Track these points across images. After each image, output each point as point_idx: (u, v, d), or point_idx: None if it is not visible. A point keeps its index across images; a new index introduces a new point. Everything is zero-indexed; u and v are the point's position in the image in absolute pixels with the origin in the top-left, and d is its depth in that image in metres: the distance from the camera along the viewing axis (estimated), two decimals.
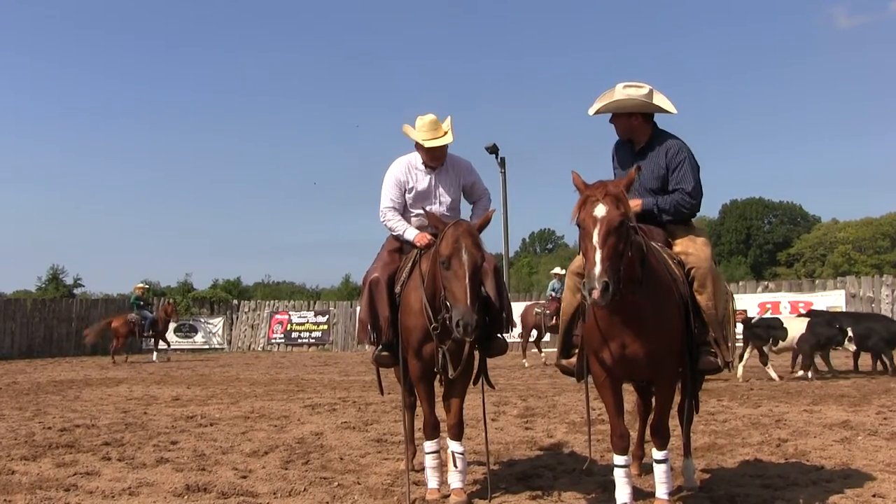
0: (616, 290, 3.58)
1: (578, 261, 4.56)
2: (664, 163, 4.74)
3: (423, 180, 5.17)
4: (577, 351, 4.62)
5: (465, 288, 4.17)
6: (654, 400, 4.62)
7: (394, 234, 5.21)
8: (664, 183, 4.74)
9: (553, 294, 17.63)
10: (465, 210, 5.37)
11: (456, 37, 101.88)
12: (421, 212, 5.13)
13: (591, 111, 4.86)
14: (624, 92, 4.74)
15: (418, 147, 5.14)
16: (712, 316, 4.42)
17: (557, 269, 18.41)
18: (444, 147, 5.11)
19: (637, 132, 4.88)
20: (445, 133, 5.05)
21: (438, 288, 4.44)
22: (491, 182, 24.89)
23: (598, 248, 3.64)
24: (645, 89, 4.75)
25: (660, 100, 4.79)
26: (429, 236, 4.90)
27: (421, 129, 5.03)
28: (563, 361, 4.74)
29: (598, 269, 3.57)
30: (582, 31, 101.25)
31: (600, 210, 3.74)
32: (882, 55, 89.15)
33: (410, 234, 5.07)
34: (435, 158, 5.14)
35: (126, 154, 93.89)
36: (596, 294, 3.53)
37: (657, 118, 4.93)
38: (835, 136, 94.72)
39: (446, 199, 5.18)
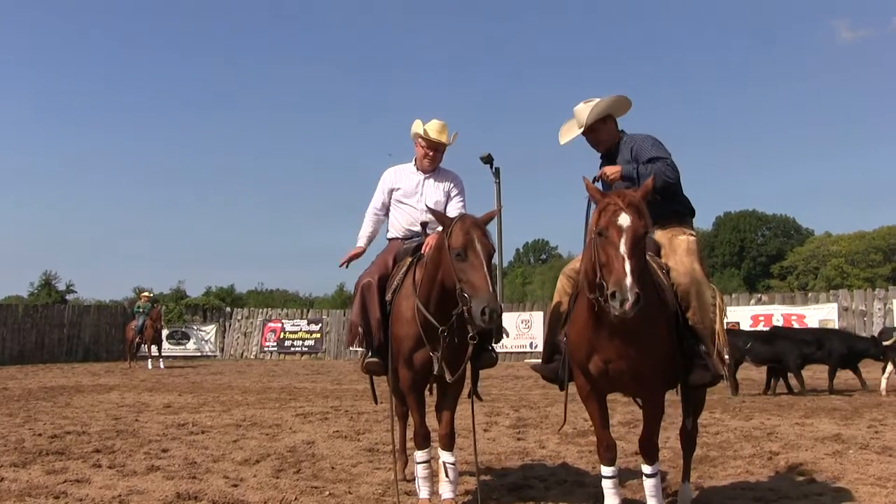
0: (644, 299, 3.51)
1: (574, 264, 4.55)
2: (630, 156, 4.72)
3: (411, 179, 5.42)
4: (558, 357, 4.60)
5: (485, 276, 4.15)
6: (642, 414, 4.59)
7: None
8: (635, 174, 4.64)
9: None
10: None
11: (452, 46, 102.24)
12: (407, 207, 5.37)
13: (563, 140, 4.95)
14: (584, 107, 4.81)
15: (418, 142, 5.38)
16: (700, 329, 4.36)
17: None
18: (441, 149, 5.36)
19: (604, 135, 4.87)
20: (447, 139, 5.36)
21: (435, 292, 4.44)
22: (485, 192, 24.97)
23: (626, 258, 3.56)
24: (593, 101, 4.79)
25: (597, 102, 4.80)
26: (360, 249, 5.54)
27: (429, 127, 5.32)
28: (548, 366, 4.71)
29: (629, 280, 3.49)
30: (578, 40, 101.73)
31: (625, 219, 3.66)
32: (881, 69, 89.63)
33: (359, 241, 5.58)
34: (431, 157, 5.36)
35: (120, 160, 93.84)
36: (628, 306, 3.46)
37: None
38: (829, 150, 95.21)
39: (431, 199, 5.34)
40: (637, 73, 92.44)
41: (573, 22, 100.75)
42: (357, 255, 5.55)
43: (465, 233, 4.30)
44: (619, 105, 4.88)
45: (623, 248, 3.59)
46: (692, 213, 4.91)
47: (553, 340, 4.69)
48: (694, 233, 4.74)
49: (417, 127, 5.36)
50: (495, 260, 25.20)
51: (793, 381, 12.10)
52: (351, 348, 5.26)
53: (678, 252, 4.54)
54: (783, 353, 11.85)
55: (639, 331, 3.91)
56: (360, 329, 4.95)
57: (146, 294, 23.37)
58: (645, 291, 3.68)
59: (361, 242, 5.58)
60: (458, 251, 4.26)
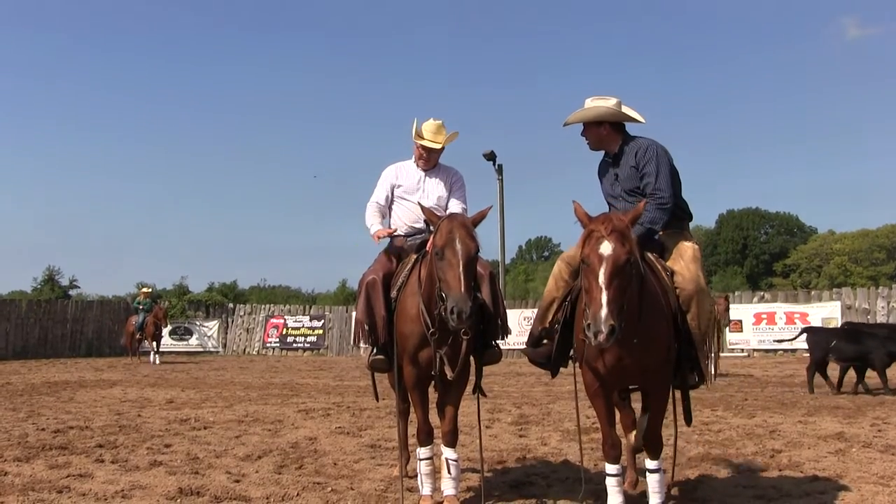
0: (620, 330, 3.56)
1: (573, 250, 4.57)
2: (634, 162, 4.75)
3: (412, 176, 5.43)
4: (546, 342, 4.62)
5: (459, 275, 4.16)
6: (647, 409, 4.61)
7: (365, 224, 5.42)
8: (639, 182, 4.71)
9: None
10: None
11: (454, 44, 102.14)
12: (409, 203, 5.34)
13: (563, 123, 4.99)
14: (592, 103, 4.86)
15: (414, 143, 5.39)
16: (696, 335, 4.42)
17: None
18: (436, 153, 5.38)
19: (606, 141, 4.91)
20: (442, 140, 5.32)
21: (435, 292, 4.44)
22: (488, 189, 24.92)
23: (603, 288, 3.59)
24: (612, 101, 4.85)
25: (628, 110, 4.88)
26: (386, 231, 5.22)
27: (425, 128, 5.31)
28: (536, 350, 4.73)
29: (604, 311, 3.53)
30: (580, 39, 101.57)
31: (606, 248, 3.69)
32: (889, 67, 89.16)
33: (373, 229, 5.32)
34: (425, 159, 5.39)
35: (122, 156, 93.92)
36: (602, 338, 3.51)
37: None
38: (833, 147, 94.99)
39: (433, 195, 5.35)
40: (642, 71, 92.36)
41: (577, 21, 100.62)
42: (392, 234, 5.29)
43: (448, 232, 4.32)
44: (613, 116, 4.85)
45: (602, 279, 3.62)
46: (690, 217, 4.97)
47: (543, 326, 4.72)
48: (696, 242, 4.83)
49: (415, 126, 5.37)
50: (497, 257, 25.38)
51: (834, 379, 11.74)
52: (357, 345, 5.25)
53: (685, 258, 4.61)
54: (869, 350, 11.42)
55: (644, 328, 3.95)
56: (365, 326, 4.96)
57: (146, 290, 23.41)
58: (644, 293, 3.71)
59: (379, 227, 5.34)
60: (437, 250, 4.31)
